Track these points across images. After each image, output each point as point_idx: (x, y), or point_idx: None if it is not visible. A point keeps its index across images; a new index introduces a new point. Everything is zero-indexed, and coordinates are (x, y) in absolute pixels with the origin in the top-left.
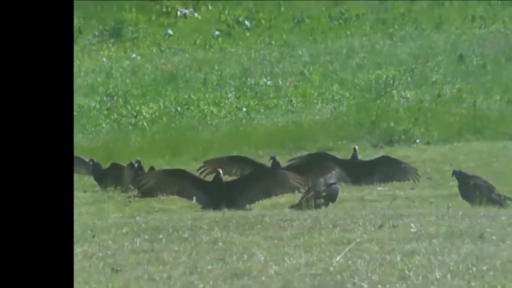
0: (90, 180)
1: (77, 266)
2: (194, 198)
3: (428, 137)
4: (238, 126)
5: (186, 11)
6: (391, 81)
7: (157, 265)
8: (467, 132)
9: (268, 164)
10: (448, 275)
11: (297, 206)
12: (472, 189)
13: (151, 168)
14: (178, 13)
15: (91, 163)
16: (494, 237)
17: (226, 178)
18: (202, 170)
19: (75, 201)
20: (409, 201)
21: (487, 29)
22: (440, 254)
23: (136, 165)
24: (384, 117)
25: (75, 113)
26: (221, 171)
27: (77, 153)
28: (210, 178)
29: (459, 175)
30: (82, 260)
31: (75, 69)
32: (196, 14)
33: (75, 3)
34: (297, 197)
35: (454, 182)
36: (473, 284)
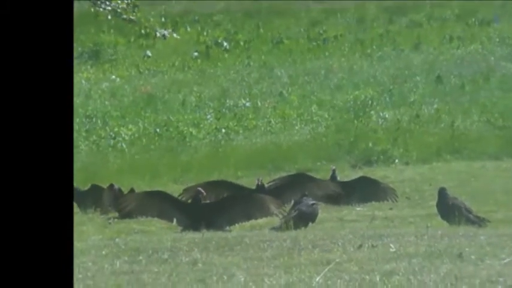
0: None
1: None
2: (175, 220)
3: (407, 157)
4: (218, 148)
5: (165, 32)
6: (370, 102)
7: (137, 287)
8: (446, 152)
9: (254, 186)
10: None
11: (277, 227)
12: (451, 209)
13: (132, 190)
14: (158, 34)
15: None
16: (473, 257)
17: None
18: (182, 197)
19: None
20: (388, 221)
21: (465, 50)
22: (419, 273)
23: (116, 187)
24: (363, 137)
25: None
26: (202, 196)
27: None
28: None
29: (442, 193)
30: None
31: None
32: (175, 35)
33: None
34: (276, 218)
35: (433, 202)
36: None
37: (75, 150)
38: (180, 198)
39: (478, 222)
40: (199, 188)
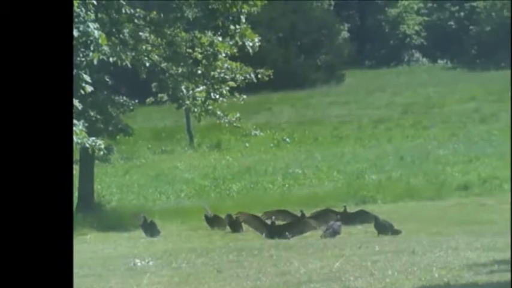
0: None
1: (198, 269)
2: (264, 233)
3: (383, 200)
4: (283, 195)
5: (256, 132)
6: (364, 170)
7: (242, 267)
8: (404, 198)
9: (299, 214)
10: (390, 270)
11: (321, 237)
12: (383, 225)
13: (239, 216)
14: (252, 133)
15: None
16: (418, 251)
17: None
18: (264, 216)
19: (195, 234)
20: (374, 233)
21: (415, 142)
22: (389, 259)
23: (231, 215)
24: (361, 189)
25: (196, 191)
26: (274, 218)
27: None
28: (268, 222)
29: (376, 219)
30: (201, 266)
31: (205, 169)
32: (261, 134)
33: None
34: (316, 231)
35: (398, 223)
36: (408, 276)
37: (207, 198)
38: (261, 217)
39: (397, 232)
40: (273, 217)
